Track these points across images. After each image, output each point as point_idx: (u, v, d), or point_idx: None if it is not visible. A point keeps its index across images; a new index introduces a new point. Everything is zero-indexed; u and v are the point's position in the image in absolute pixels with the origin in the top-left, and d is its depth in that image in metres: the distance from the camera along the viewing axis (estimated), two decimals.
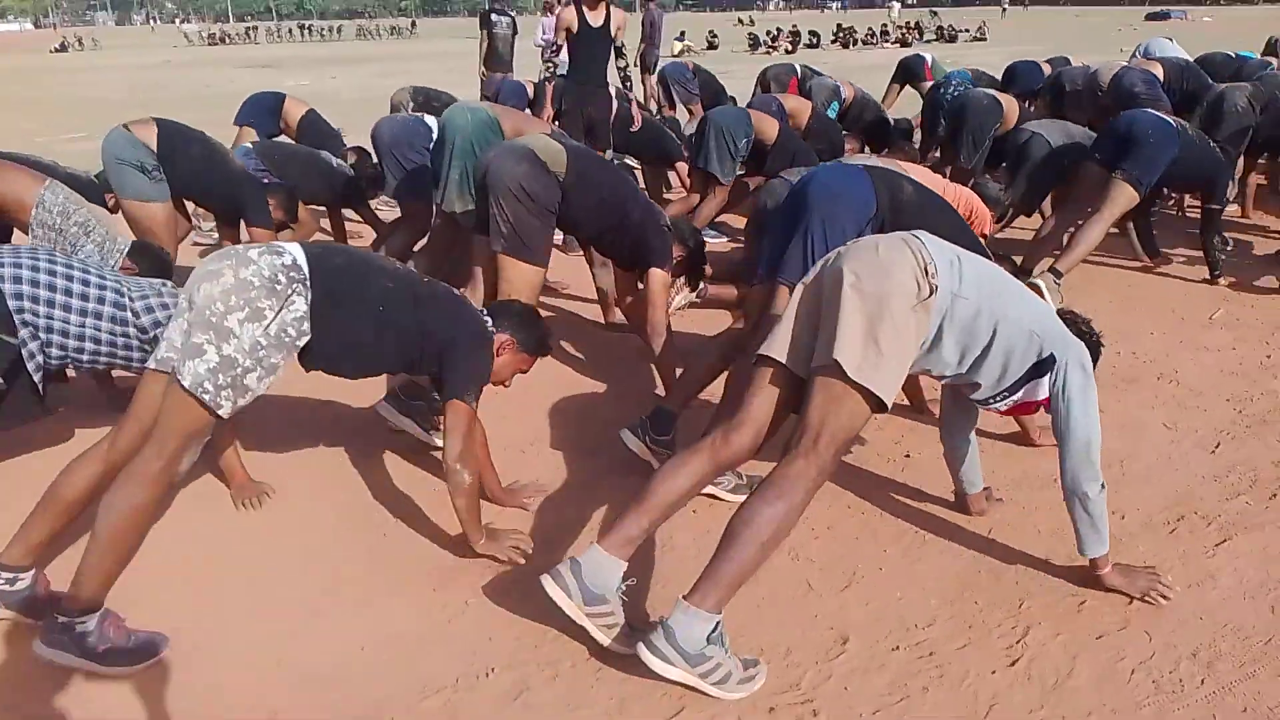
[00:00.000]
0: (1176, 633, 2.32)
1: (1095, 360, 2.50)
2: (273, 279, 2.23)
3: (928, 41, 31.70)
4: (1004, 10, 52.41)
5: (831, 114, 7.01)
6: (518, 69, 9.66)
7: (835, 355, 2.11)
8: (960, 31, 33.61)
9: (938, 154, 6.91)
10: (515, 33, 9.85)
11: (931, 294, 2.15)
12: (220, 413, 2.19)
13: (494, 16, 9.64)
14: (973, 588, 2.52)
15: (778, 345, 2.29)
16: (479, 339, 2.65)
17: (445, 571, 2.63)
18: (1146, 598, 2.42)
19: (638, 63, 10.84)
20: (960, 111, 6.12)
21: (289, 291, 2.25)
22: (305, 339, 2.30)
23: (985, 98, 6.15)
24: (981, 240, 3.35)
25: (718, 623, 2.11)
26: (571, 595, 2.21)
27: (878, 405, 2.16)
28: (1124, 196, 4.65)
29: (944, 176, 5.14)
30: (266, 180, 5.06)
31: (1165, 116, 4.82)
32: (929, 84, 8.48)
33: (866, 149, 6.85)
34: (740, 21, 46.54)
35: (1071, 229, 4.79)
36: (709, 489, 2.82)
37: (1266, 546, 2.68)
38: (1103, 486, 2.36)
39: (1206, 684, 2.15)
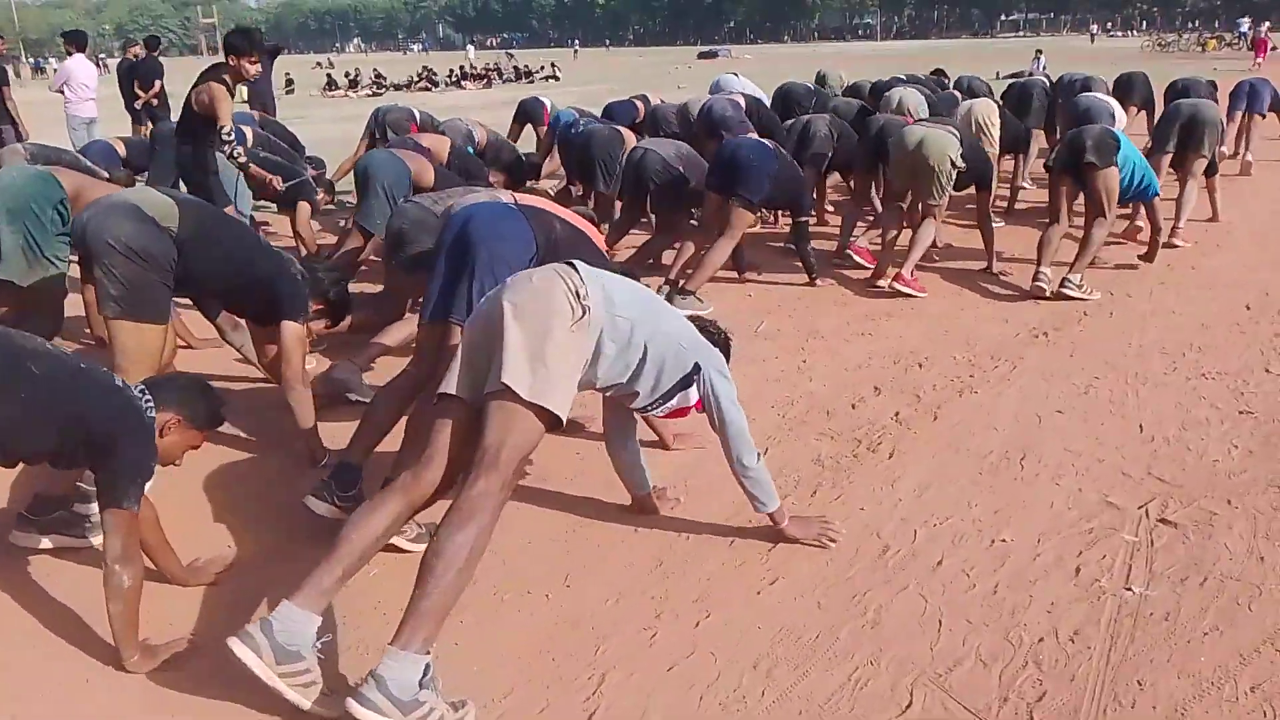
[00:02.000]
0: (738, 647, 2.41)
1: (728, 357, 2.91)
2: None
3: (506, 81, 32.78)
4: (576, 52, 55.95)
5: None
6: (37, 126, 8.49)
7: (506, 379, 2.21)
8: (535, 71, 35.12)
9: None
10: (5, 82, 8.75)
11: (585, 315, 2.32)
12: None
13: None
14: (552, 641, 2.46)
15: (454, 381, 2.37)
16: (140, 432, 2.39)
17: None
18: (819, 540, 2.86)
19: None
20: (588, 146, 6.67)
21: None
22: None
23: (607, 129, 6.84)
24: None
25: (428, 665, 2.05)
26: (262, 654, 2.07)
27: (553, 421, 2.27)
28: (742, 219, 5.35)
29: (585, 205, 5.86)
30: None
31: (762, 140, 5.56)
32: (545, 126, 9.26)
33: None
34: (319, 64, 45.22)
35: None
36: (393, 539, 2.66)
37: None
38: (759, 455, 2.79)
39: (767, 694, 2.24)
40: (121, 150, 7.04)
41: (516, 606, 2.62)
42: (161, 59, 11.60)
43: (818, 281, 5.80)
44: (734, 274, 5.96)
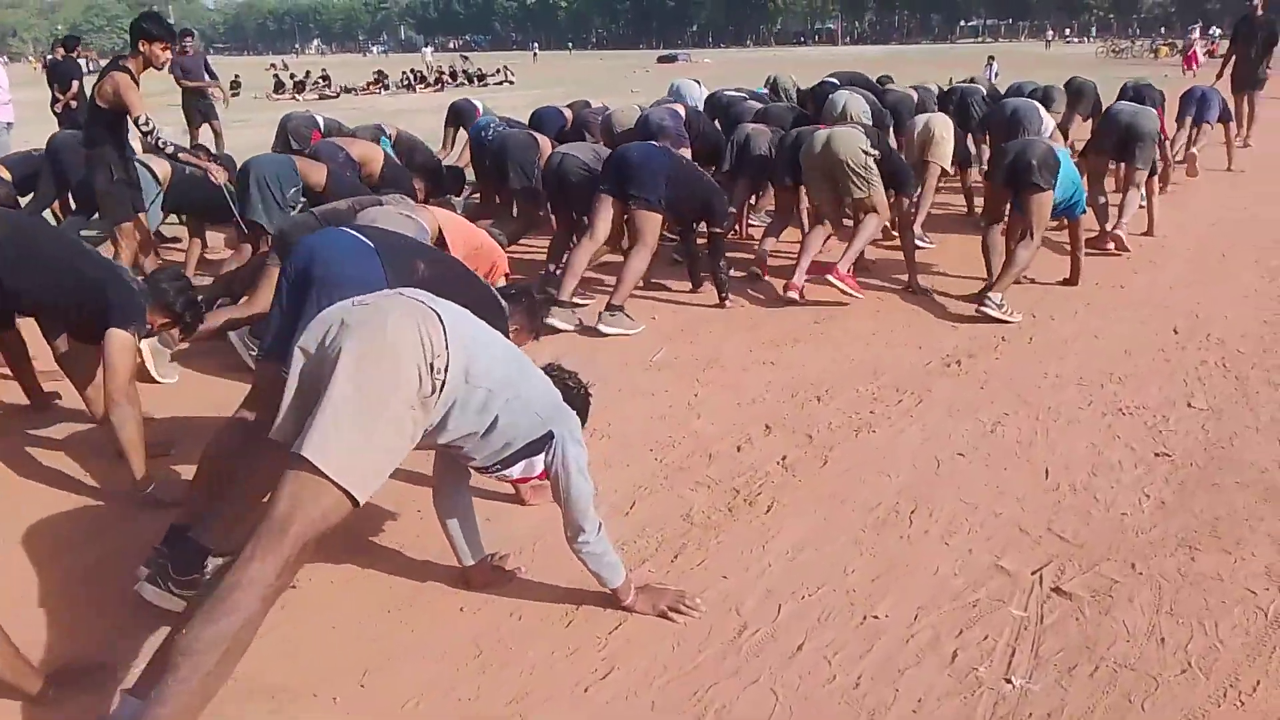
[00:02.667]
0: None
1: (585, 414, 2.74)
2: None
3: (459, 85, 32.27)
4: (535, 55, 55.57)
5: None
6: None
7: (308, 452, 1.91)
8: (489, 75, 34.68)
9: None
10: None
11: (435, 392, 2.05)
12: None
13: None
14: None
15: (281, 424, 2.13)
16: None
17: None
18: (670, 615, 2.53)
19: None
20: (502, 151, 6.51)
21: None
22: None
23: (522, 133, 6.76)
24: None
25: None
26: None
27: (358, 501, 1.99)
28: (651, 222, 5.07)
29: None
30: None
31: (649, 143, 5.36)
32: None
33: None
34: (273, 66, 44.33)
35: None
36: None
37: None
38: (600, 527, 2.45)
39: None
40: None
41: (292, 715, 2.22)
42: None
43: (727, 302, 5.47)
44: (647, 295, 5.62)
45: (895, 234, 6.38)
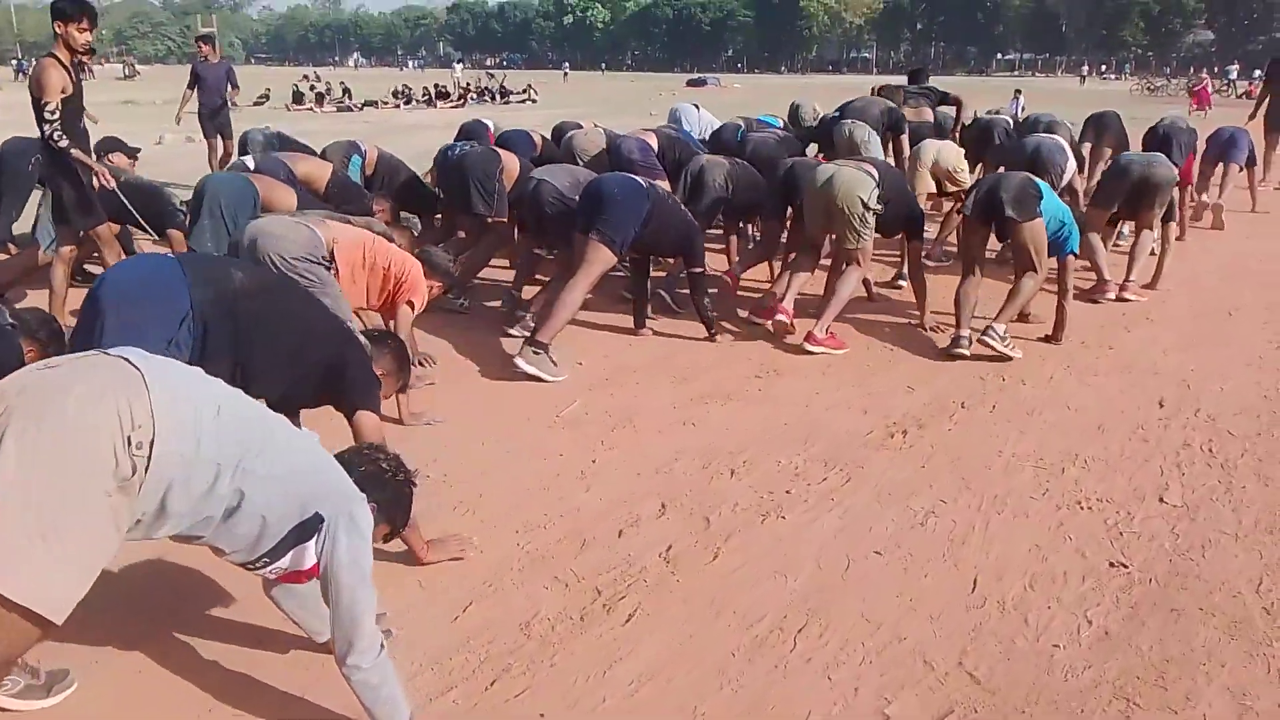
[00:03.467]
0: None
1: (402, 508, 2.22)
2: None
3: (483, 101, 32.13)
4: (565, 75, 55.61)
5: (354, 172, 6.62)
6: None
7: None
8: (514, 92, 34.54)
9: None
10: None
11: (137, 471, 1.68)
12: None
13: None
14: None
15: None
16: None
17: None
18: None
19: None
20: (461, 168, 6.07)
21: None
22: None
23: (483, 149, 6.28)
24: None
25: None
26: None
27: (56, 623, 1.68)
28: (600, 256, 4.64)
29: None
30: None
31: (634, 177, 4.97)
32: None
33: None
34: (305, 78, 44.52)
35: None
36: None
37: None
38: (380, 648, 1.97)
39: None
40: None
41: None
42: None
43: (717, 338, 5.18)
44: (585, 327, 5.14)
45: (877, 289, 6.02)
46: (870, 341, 5.17)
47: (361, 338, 3.13)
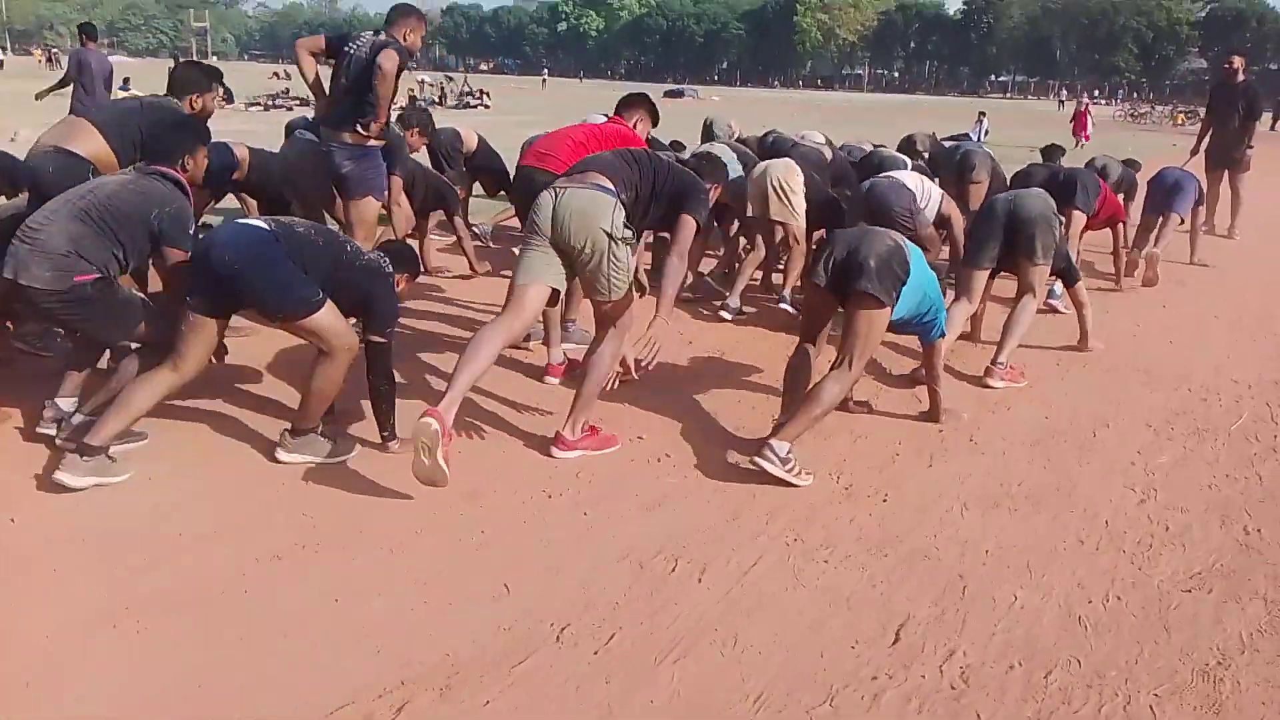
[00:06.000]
0: None
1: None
2: None
3: (431, 105, 31.62)
4: (544, 81, 55.30)
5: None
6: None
7: None
8: (471, 95, 34.45)
9: None
10: None
11: None
12: None
13: None
14: None
15: None
16: None
17: None
18: None
19: None
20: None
21: None
22: None
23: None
24: None
25: None
26: None
27: None
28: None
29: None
30: None
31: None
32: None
33: None
34: (275, 75, 43.72)
35: None
36: None
37: None
38: None
39: None
40: None
41: None
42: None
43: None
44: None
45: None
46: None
47: None
